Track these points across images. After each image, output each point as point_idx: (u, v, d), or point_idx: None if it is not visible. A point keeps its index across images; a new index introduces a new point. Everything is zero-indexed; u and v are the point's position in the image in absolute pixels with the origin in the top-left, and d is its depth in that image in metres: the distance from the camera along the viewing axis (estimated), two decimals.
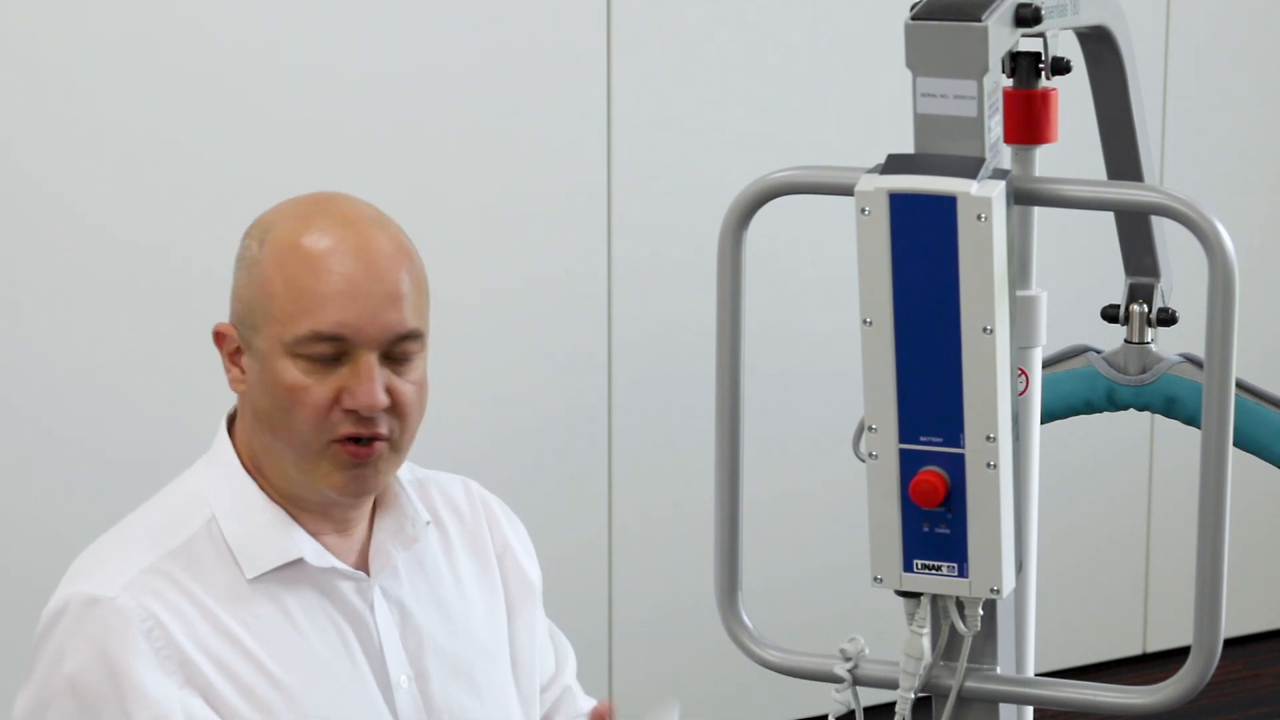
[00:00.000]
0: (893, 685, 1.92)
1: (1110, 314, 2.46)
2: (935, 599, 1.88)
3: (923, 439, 1.81)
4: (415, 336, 2.00)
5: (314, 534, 2.04)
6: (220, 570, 2.00)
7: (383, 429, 1.99)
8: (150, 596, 1.96)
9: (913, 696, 1.90)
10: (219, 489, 2.04)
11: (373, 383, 1.96)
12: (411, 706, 2.07)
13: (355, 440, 1.98)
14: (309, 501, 2.04)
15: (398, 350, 1.99)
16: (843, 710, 1.93)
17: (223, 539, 2.01)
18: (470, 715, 2.10)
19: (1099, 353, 2.50)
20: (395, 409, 1.99)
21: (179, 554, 2.00)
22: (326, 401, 1.97)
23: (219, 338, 2.04)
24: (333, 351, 1.97)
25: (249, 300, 2.00)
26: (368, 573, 2.07)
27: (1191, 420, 2.44)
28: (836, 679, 1.94)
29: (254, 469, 2.05)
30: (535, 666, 2.21)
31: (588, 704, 2.26)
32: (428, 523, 2.11)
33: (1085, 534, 4.66)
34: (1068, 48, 2.00)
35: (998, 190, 1.75)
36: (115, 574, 1.97)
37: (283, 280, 1.98)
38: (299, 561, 2.02)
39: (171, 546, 2.00)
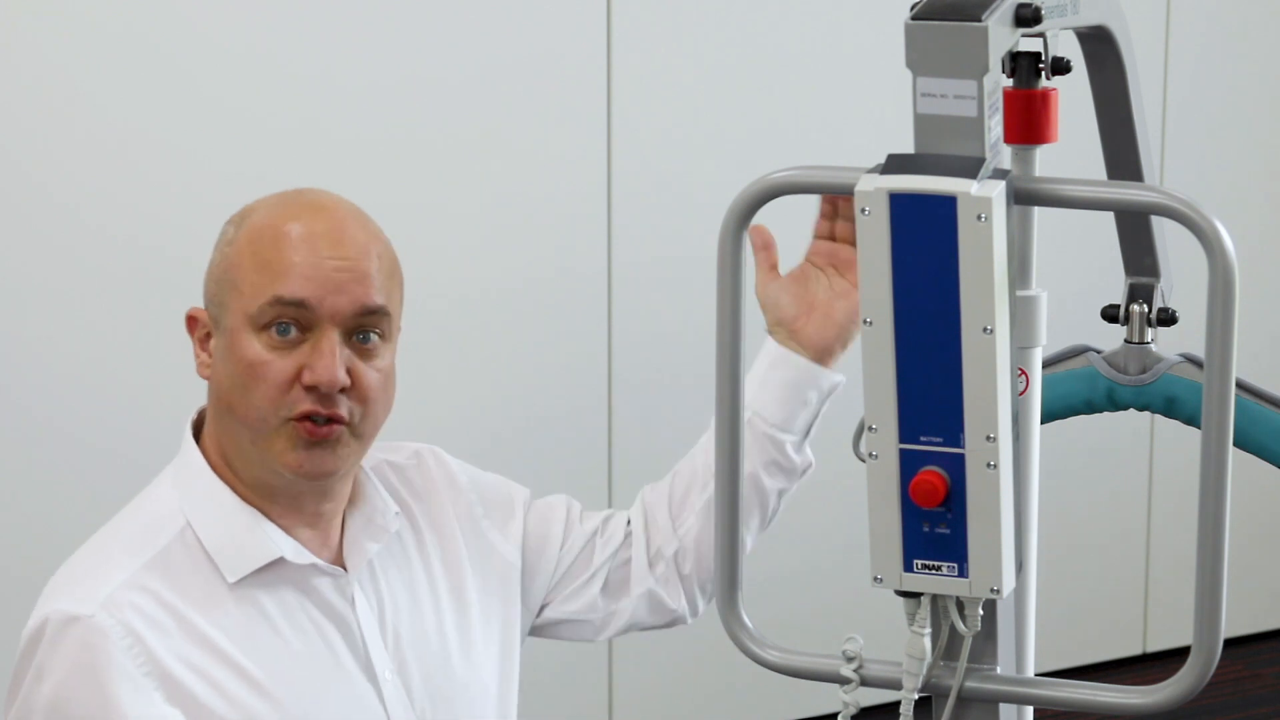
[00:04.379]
0: (895, 686, 1.92)
1: (1110, 314, 2.46)
2: (935, 599, 1.88)
3: (923, 439, 1.81)
4: (380, 313, 2.00)
5: (288, 531, 2.03)
6: (198, 577, 1.99)
7: (342, 411, 1.98)
8: (129, 612, 1.95)
9: (915, 697, 1.90)
10: (191, 495, 2.03)
11: (333, 358, 1.96)
12: (397, 699, 2.07)
13: (312, 419, 1.97)
14: (275, 490, 2.03)
15: (362, 328, 1.99)
16: (854, 711, 1.93)
17: (199, 545, 2.00)
18: (448, 700, 2.11)
19: (1099, 353, 2.50)
20: (357, 393, 1.99)
21: (155, 564, 1.98)
22: (287, 378, 1.97)
23: (191, 323, 2.05)
24: (295, 320, 1.97)
25: (219, 278, 2.01)
26: (345, 569, 2.07)
27: (1191, 420, 2.44)
28: (838, 679, 1.94)
29: (224, 470, 2.04)
30: (516, 640, 2.21)
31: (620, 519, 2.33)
32: (396, 513, 2.12)
33: (1085, 534, 4.66)
34: (1068, 48, 2.00)
35: (998, 190, 1.75)
36: (93, 590, 1.96)
37: (251, 254, 1.99)
38: (279, 561, 2.01)
39: (147, 557, 1.99)
